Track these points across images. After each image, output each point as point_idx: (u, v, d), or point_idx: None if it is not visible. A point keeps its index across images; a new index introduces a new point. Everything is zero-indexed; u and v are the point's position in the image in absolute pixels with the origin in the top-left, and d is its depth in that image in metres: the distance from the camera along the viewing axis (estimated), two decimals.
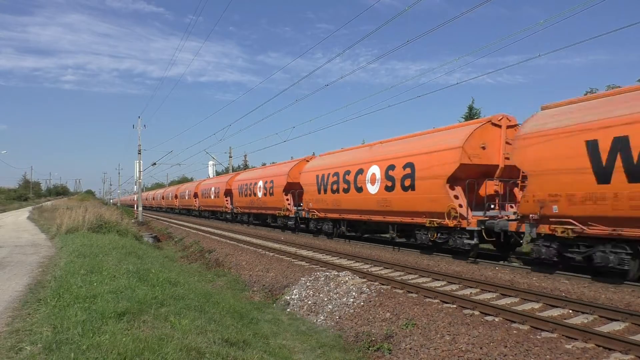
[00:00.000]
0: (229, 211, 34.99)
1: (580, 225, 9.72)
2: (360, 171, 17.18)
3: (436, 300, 8.68)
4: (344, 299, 9.58)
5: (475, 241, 12.76)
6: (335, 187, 18.89)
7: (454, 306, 8.29)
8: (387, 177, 15.48)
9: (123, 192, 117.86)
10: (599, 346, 6.03)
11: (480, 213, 13.03)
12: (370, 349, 7.48)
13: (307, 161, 23.57)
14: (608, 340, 6.04)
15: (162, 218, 50.54)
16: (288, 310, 10.22)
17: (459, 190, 13.11)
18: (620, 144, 8.84)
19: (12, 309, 6.40)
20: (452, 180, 13.09)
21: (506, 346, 6.30)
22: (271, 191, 25.70)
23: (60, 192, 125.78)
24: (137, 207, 43.88)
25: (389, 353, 7.22)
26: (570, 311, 7.73)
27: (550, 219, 10.34)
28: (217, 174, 51.66)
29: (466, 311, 7.92)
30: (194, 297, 8.14)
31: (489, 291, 9.31)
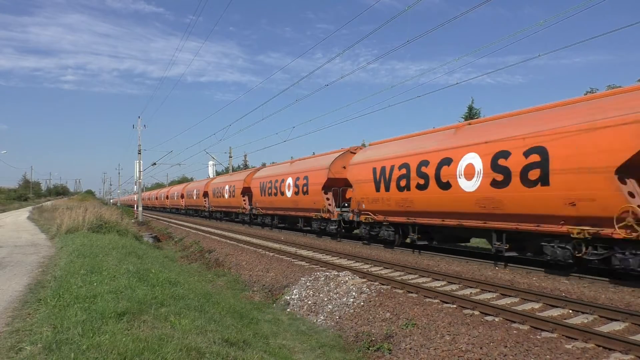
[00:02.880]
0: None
1: (373, 215, 16.88)
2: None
3: (436, 300, 8.68)
4: (344, 299, 9.58)
5: (336, 226, 20.42)
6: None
7: (454, 306, 8.28)
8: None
9: (123, 192, 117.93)
10: (599, 346, 6.03)
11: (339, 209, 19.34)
12: (370, 349, 7.48)
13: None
14: (608, 340, 6.04)
15: (162, 218, 50.52)
16: (288, 310, 10.22)
17: (330, 195, 19.96)
18: (384, 169, 15.88)
19: (12, 309, 6.40)
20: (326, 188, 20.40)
21: (506, 346, 6.30)
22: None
23: (60, 192, 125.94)
24: (137, 207, 43.89)
25: (389, 353, 7.22)
26: (570, 311, 7.73)
27: (362, 212, 17.55)
28: (217, 173, 51.61)
29: (466, 311, 7.92)
30: (194, 297, 8.14)
31: (489, 291, 9.31)
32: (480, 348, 6.43)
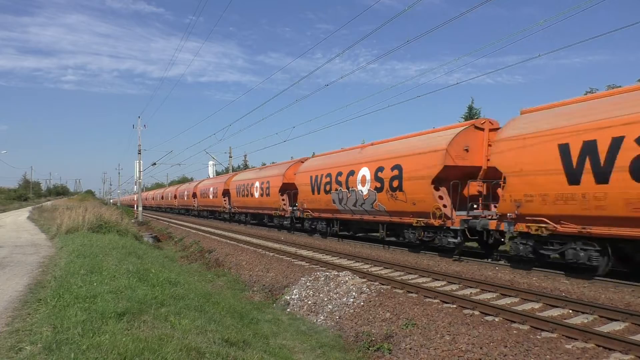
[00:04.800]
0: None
1: (311, 213, 18.60)
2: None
3: (436, 300, 8.68)
4: (344, 299, 9.58)
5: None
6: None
7: (454, 306, 8.28)
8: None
9: (123, 192, 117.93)
10: (599, 346, 6.03)
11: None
12: (370, 349, 7.48)
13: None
14: (608, 340, 6.04)
15: (162, 218, 50.53)
16: (288, 310, 10.22)
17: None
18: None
19: (12, 309, 6.40)
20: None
21: (506, 346, 6.31)
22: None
23: (60, 192, 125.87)
24: (137, 207, 43.89)
25: (389, 353, 7.22)
26: (570, 311, 7.73)
27: (304, 210, 19.33)
28: (217, 174, 51.64)
29: (466, 311, 7.92)
30: (194, 297, 8.14)
31: (489, 291, 9.31)
32: (480, 348, 6.43)
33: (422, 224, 14.12)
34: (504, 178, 11.31)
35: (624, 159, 8.74)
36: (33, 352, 4.51)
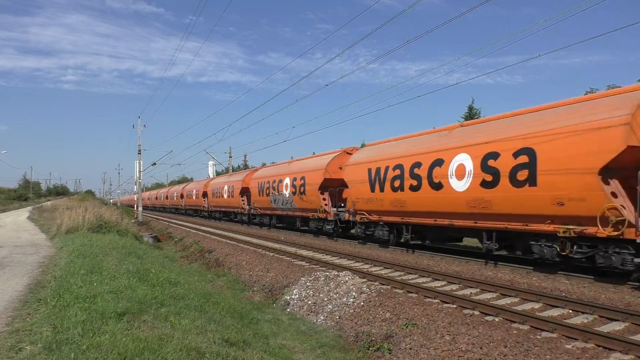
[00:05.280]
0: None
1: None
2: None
3: (436, 300, 8.68)
4: (344, 299, 9.58)
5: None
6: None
7: (454, 306, 8.28)
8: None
9: (123, 192, 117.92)
10: (599, 346, 6.03)
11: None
12: (370, 349, 7.48)
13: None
14: (608, 340, 6.04)
15: (162, 218, 50.51)
16: (288, 310, 10.22)
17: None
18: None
19: (12, 309, 6.40)
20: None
21: (506, 346, 6.30)
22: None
23: (60, 192, 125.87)
24: (137, 207, 43.89)
25: (389, 353, 7.22)
26: (570, 311, 7.73)
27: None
28: (217, 173, 51.61)
29: (466, 311, 7.92)
30: (194, 297, 8.14)
31: (489, 291, 9.31)
32: (480, 348, 6.43)
33: (316, 217, 21.01)
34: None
35: (390, 177, 15.32)
36: (33, 352, 4.51)
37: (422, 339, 7.21)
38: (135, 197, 58.96)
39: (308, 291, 10.61)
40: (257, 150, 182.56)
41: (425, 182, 13.68)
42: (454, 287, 9.91)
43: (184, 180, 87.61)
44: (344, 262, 13.73)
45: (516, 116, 11.70)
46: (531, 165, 10.36)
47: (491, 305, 7.94)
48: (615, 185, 9.12)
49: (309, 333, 8.53)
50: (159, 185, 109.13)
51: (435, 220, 13.68)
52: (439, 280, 10.62)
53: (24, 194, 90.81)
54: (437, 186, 13.18)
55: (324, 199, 20.48)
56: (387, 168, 15.60)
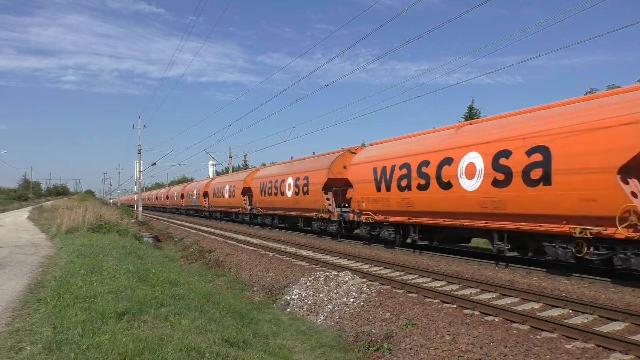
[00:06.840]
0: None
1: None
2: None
3: (436, 300, 8.68)
4: (344, 299, 9.58)
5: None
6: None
7: (454, 306, 8.28)
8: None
9: (123, 192, 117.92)
10: (599, 346, 6.03)
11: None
12: (370, 349, 7.48)
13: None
14: (608, 340, 6.04)
15: (162, 218, 50.52)
16: (288, 310, 10.22)
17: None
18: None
19: (12, 309, 6.40)
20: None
21: (506, 346, 6.30)
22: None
23: (60, 192, 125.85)
24: (137, 207, 43.89)
25: (389, 353, 7.22)
26: (570, 311, 7.73)
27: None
28: (217, 173, 51.63)
29: (466, 311, 7.92)
30: (194, 297, 8.14)
31: (489, 291, 9.31)
32: (480, 348, 6.43)
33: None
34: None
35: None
36: (33, 352, 4.51)
37: (422, 339, 7.21)
38: (135, 197, 58.89)
39: (308, 291, 10.61)
40: (257, 150, 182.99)
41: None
42: (454, 287, 9.91)
43: (184, 180, 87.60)
44: (344, 262, 13.73)
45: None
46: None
47: (491, 305, 7.94)
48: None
49: (309, 333, 8.52)
50: (159, 185, 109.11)
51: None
52: (439, 280, 10.62)
53: (24, 194, 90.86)
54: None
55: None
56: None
